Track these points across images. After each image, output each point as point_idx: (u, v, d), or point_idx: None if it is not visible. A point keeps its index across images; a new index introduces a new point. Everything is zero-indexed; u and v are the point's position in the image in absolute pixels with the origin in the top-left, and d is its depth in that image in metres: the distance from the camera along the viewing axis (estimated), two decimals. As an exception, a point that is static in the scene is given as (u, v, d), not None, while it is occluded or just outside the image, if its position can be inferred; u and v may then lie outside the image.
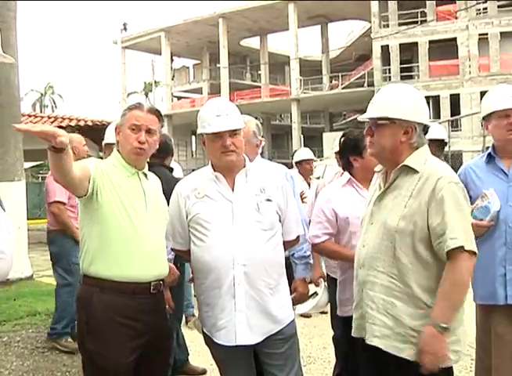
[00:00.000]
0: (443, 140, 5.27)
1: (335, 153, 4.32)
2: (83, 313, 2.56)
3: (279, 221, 2.82)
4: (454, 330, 2.34)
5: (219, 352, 2.78)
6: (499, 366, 2.95)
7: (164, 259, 2.71)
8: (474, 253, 2.29)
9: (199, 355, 4.70)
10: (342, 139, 3.49)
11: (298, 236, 3.03)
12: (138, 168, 2.68)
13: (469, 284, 2.36)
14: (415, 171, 2.41)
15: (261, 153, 3.65)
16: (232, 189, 2.75)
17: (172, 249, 2.97)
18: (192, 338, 4.62)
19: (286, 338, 2.75)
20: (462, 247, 2.26)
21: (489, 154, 3.11)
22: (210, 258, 2.67)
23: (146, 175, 2.73)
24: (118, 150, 2.70)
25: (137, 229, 2.55)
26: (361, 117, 2.58)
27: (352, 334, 2.65)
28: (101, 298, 2.49)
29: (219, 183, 2.76)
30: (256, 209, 2.72)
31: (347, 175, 3.42)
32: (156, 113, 2.70)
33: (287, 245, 2.95)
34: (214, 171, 2.79)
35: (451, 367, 2.43)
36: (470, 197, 3.07)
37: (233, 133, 2.70)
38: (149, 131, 2.64)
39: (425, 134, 2.51)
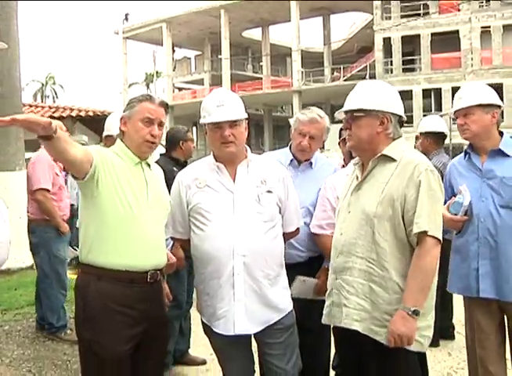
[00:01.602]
0: (443, 133, 5.26)
1: (341, 141, 4.24)
2: (80, 301, 2.57)
3: (279, 213, 2.83)
4: (424, 316, 2.44)
5: (218, 341, 2.80)
6: (483, 357, 3.02)
7: (163, 249, 2.72)
8: (439, 240, 2.40)
9: (199, 345, 4.71)
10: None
11: (298, 228, 3.04)
12: (142, 159, 2.68)
13: (435, 269, 2.45)
14: (392, 160, 2.51)
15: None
16: (234, 180, 2.76)
17: (172, 238, 2.98)
18: (192, 328, 4.63)
19: (285, 327, 2.77)
20: (426, 232, 2.37)
21: (465, 151, 3.16)
22: (210, 247, 2.68)
23: (149, 165, 2.73)
24: (122, 140, 2.69)
25: (137, 218, 2.55)
26: (338, 113, 2.69)
27: (322, 321, 2.73)
28: (98, 286, 2.50)
29: (221, 174, 2.77)
30: (257, 200, 2.73)
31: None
32: (165, 106, 2.70)
33: (287, 237, 2.96)
34: (216, 161, 2.79)
35: (424, 353, 2.59)
36: (455, 194, 3.09)
37: (233, 124, 2.71)
38: (160, 125, 2.65)
39: (401, 126, 2.61)
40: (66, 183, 5.31)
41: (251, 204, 2.73)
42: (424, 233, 2.38)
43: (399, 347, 2.39)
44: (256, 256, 2.67)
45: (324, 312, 2.72)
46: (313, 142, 3.37)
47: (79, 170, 2.45)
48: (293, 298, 2.92)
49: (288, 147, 3.53)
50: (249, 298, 2.67)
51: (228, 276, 2.66)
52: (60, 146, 2.27)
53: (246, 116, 2.79)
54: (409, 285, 2.39)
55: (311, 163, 3.46)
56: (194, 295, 5.15)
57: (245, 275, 2.66)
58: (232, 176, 2.77)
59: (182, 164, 4.40)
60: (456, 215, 2.99)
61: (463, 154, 3.19)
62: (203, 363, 4.61)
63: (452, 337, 5.04)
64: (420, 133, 5.22)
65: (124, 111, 2.71)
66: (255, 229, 2.70)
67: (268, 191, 2.77)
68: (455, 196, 3.06)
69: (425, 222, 2.38)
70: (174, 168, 4.20)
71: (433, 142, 5.14)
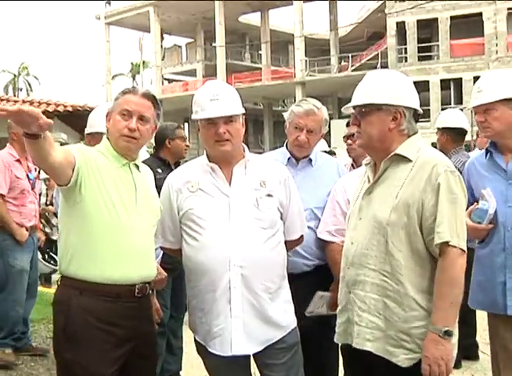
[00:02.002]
0: (463, 129, 5.26)
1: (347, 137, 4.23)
2: (60, 318, 2.57)
3: (281, 218, 2.84)
4: None
5: (213, 362, 2.79)
6: None
7: (153, 260, 2.73)
8: (463, 250, 2.38)
9: (191, 366, 4.72)
10: None
11: (302, 236, 3.04)
12: (130, 159, 2.68)
13: (462, 282, 2.42)
14: (407, 160, 2.48)
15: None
16: (230, 183, 2.76)
17: (162, 248, 2.99)
18: (184, 348, 4.63)
19: (287, 347, 2.77)
20: (448, 242, 2.34)
21: (487, 149, 3.13)
22: (204, 258, 2.68)
23: (137, 167, 2.73)
24: (108, 138, 2.70)
25: (124, 226, 2.55)
26: (345, 108, 2.67)
27: (336, 340, 2.72)
28: (80, 301, 2.50)
29: (215, 176, 2.77)
30: (255, 205, 2.73)
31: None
32: (151, 98, 2.69)
33: (290, 245, 2.96)
34: (210, 161, 2.80)
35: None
36: (474, 196, 3.08)
37: (229, 120, 2.71)
38: (141, 119, 2.63)
39: (416, 121, 2.58)
40: (33, 188, 5.25)
41: (249, 209, 2.73)
42: (446, 243, 2.36)
43: (415, 369, 2.37)
44: (255, 267, 2.67)
45: (337, 330, 2.70)
46: (311, 137, 3.38)
47: (60, 175, 2.45)
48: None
49: (285, 145, 3.54)
50: (247, 314, 2.67)
51: (225, 290, 2.66)
52: (44, 148, 2.27)
53: (243, 111, 2.79)
54: (436, 303, 2.37)
55: (310, 160, 3.47)
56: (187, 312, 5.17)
57: (243, 288, 2.66)
58: (228, 178, 2.77)
59: (169, 166, 4.41)
60: (479, 222, 2.97)
61: (483, 152, 3.17)
62: (197, 387, 4.61)
63: (475, 357, 5.04)
64: (438, 129, 5.22)
65: None
66: (253, 238, 2.70)
67: (268, 195, 2.77)
68: (476, 201, 3.04)
69: (447, 231, 2.35)
70: (159, 170, 4.23)
71: (451, 139, 5.12)
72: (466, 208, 3.02)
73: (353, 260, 2.56)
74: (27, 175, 5.15)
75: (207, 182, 2.77)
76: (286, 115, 3.49)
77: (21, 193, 5.07)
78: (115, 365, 2.53)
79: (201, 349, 2.81)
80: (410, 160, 2.48)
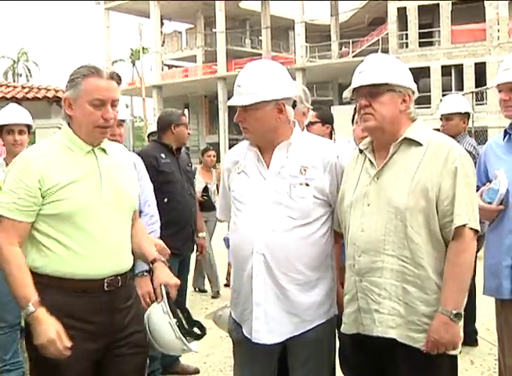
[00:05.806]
0: (467, 113, 5.29)
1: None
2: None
3: (329, 207, 2.69)
4: None
5: (239, 343, 2.76)
6: None
7: (127, 251, 2.60)
8: (477, 231, 2.39)
9: (191, 352, 4.71)
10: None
11: None
12: (96, 144, 2.52)
13: (473, 265, 2.44)
14: (418, 144, 2.47)
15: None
16: (268, 166, 2.68)
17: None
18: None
19: (313, 341, 2.65)
20: (465, 224, 2.35)
21: (505, 131, 3.11)
22: (236, 239, 2.68)
23: (104, 150, 2.56)
24: (69, 126, 2.49)
25: (87, 219, 2.42)
26: (348, 90, 2.57)
27: (345, 331, 2.63)
28: (44, 297, 2.34)
29: (256, 157, 2.71)
30: (287, 193, 2.60)
31: None
32: (118, 79, 2.51)
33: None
34: (250, 143, 2.76)
35: (455, 356, 2.50)
36: (489, 178, 3.06)
37: (246, 109, 2.59)
38: (113, 104, 2.48)
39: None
40: None
41: (280, 196, 2.60)
42: (463, 225, 2.35)
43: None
44: (277, 256, 2.56)
45: (346, 320, 2.61)
46: None
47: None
48: None
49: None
50: (270, 303, 2.58)
51: (248, 276, 2.60)
52: None
53: (268, 98, 2.58)
54: (448, 285, 2.36)
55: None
56: (188, 299, 5.14)
57: (266, 277, 2.57)
58: (268, 160, 2.68)
59: (171, 151, 4.40)
60: (490, 203, 2.94)
61: (501, 134, 3.14)
62: (196, 372, 4.63)
63: (474, 343, 5.04)
64: (458, 113, 5.21)
65: (66, 89, 2.51)
66: (278, 226, 2.57)
67: (306, 184, 2.62)
68: (490, 182, 3.01)
69: (465, 213, 2.36)
70: (162, 155, 4.25)
71: (466, 123, 5.29)
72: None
73: (366, 247, 2.49)
74: None
75: (251, 163, 2.71)
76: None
77: None
78: (87, 361, 2.43)
79: (233, 327, 2.77)
80: (421, 144, 2.46)
